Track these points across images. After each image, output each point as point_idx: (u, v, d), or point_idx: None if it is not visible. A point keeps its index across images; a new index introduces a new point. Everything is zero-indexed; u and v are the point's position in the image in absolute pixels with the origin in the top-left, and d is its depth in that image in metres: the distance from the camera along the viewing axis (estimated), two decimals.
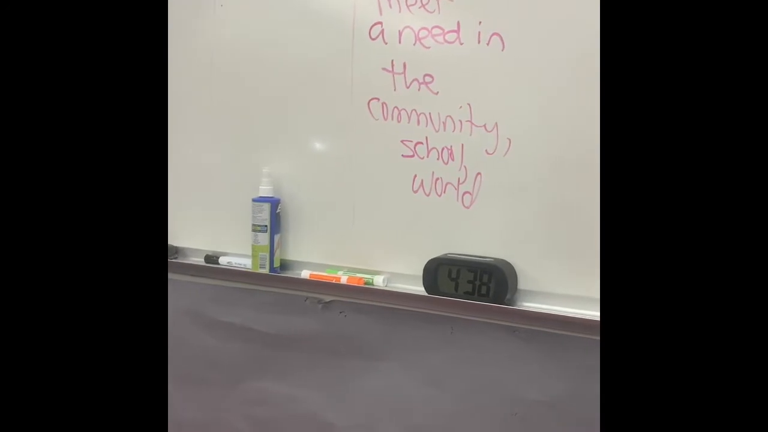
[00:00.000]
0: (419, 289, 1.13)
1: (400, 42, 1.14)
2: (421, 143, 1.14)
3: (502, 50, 1.06)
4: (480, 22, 1.07)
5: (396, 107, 1.15)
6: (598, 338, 0.98)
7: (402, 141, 1.15)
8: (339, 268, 1.23)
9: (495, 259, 1.08)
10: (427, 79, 1.12)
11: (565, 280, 1.04)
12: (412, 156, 1.15)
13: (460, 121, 1.10)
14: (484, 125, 1.08)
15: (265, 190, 1.26)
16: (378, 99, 1.17)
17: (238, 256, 1.32)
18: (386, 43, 1.15)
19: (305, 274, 1.25)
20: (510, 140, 1.07)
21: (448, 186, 1.12)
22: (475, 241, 1.11)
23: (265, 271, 1.26)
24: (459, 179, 1.11)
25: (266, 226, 1.25)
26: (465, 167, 1.11)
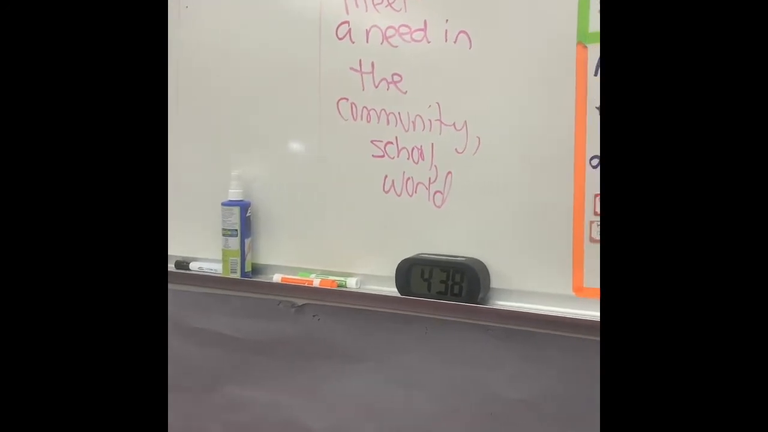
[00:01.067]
0: (392, 290, 1.12)
1: (367, 41, 1.13)
2: (391, 143, 1.13)
3: (470, 48, 1.05)
4: (447, 20, 1.06)
5: (365, 107, 1.14)
6: (573, 335, 1.00)
7: (372, 141, 1.14)
8: (311, 271, 1.22)
9: (467, 258, 1.07)
10: (396, 78, 1.11)
11: (538, 278, 1.04)
12: (383, 156, 1.14)
13: (430, 121, 1.09)
14: (453, 124, 1.08)
15: (234, 194, 1.24)
16: (347, 99, 1.16)
17: (209, 261, 1.30)
18: (354, 43, 1.14)
19: (277, 277, 1.24)
20: (479, 139, 1.06)
21: (419, 186, 1.11)
22: (448, 240, 1.10)
23: (237, 275, 1.25)
24: (430, 179, 1.11)
25: (236, 230, 1.24)
26: (435, 166, 1.10)
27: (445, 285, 1.07)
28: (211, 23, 1.27)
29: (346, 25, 1.14)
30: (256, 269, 1.28)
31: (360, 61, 1.14)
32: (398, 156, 1.13)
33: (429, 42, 1.08)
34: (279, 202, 1.24)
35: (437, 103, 1.09)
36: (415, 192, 1.12)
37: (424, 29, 1.08)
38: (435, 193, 1.10)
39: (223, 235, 1.24)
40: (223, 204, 1.25)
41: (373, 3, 1.12)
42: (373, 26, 1.12)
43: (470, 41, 1.05)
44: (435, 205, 1.11)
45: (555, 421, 1.03)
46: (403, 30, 1.10)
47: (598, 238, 0.99)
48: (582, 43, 0.98)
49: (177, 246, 1.33)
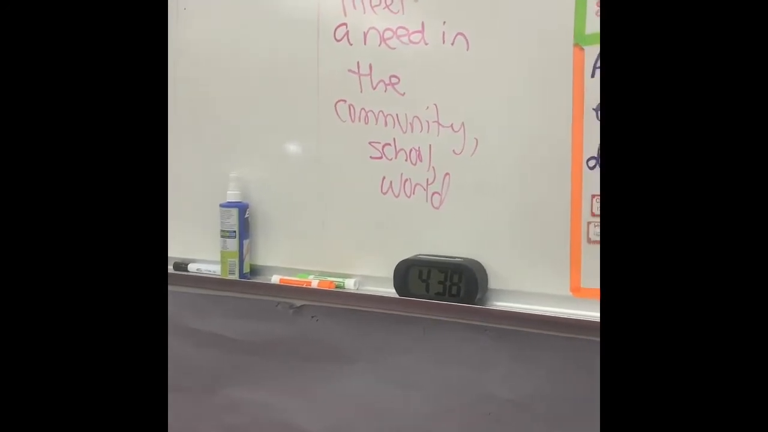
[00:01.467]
0: (390, 291, 1.13)
1: (365, 43, 1.13)
2: (389, 144, 1.13)
3: (467, 50, 1.06)
4: (444, 22, 1.07)
5: (363, 109, 1.15)
6: (570, 336, 1.00)
7: (370, 142, 1.15)
8: (309, 272, 1.22)
9: (465, 258, 1.08)
10: (394, 80, 1.12)
11: (536, 278, 1.04)
12: (381, 158, 1.14)
13: (427, 122, 1.10)
14: (451, 125, 1.08)
15: (232, 195, 1.25)
16: (345, 101, 1.16)
17: (208, 262, 1.30)
18: (351, 45, 1.14)
19: (275, 279, 1.24)
20: (477, 140, 1.07)
21: (417, 187, 1.12)
22: (445, 241, 1.10)
23: (235, 277, 1.25)
24: (428, 180, 1.11)
25: (235, 231, 1.24)
26: (433, 168, 1.10)
27: (443, 286, 1.08)
28: (210, 25, 1.27)
29: (344, 27, 1.15)
30: (255, 270, 1.28)
31: (358, 62, 1.14)
32: (396, 157, 1.13)
33: (426, 44, 1.09)
34: (277, 203, 1.25)
35: (435, 104, 1.09)
36: (413, 193, 1.12)
37: (422, 31, 1.09)
38: (433, 194, 1.11)
39: (222, 236, 1.25)
40: (222, 205, 1.25)
41: (370, 5, 1.12)
42: (370, 28, 1.13)
43: (468, 43, 1.06)
44: (433, 206, 1.11)
45: (551, 421, 1.04)
46: (400, 32, 1.10)
47: (595, 238, 0.99)
48: (578, 44, 0.98)
49: (175, 247, 1.33)
